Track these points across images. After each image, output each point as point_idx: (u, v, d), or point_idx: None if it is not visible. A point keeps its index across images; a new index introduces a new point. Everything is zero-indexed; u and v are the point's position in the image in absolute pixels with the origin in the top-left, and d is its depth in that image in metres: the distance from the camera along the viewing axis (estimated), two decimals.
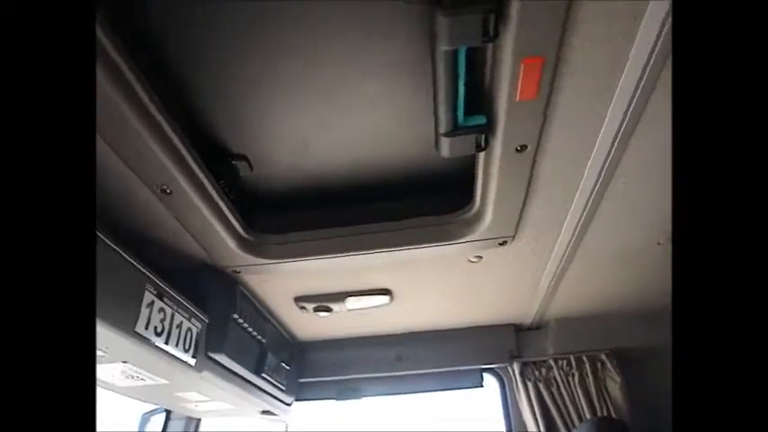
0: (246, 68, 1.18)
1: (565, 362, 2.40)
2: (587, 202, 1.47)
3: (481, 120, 1.17)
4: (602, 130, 1.21)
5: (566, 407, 2.36)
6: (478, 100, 1.15)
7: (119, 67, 1.00)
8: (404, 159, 1.49)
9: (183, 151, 1.23)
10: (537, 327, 2.51)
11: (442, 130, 1.18)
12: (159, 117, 1.13)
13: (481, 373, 2.55)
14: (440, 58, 1.02)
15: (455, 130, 1.17)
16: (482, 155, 1.28)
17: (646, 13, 0.93)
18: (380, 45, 1.13)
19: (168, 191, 1.31)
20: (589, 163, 1.32)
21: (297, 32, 1.09)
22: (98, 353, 1.38)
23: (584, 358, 2.37)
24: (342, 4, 1.03)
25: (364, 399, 2.59)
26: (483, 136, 1.19)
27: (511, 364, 2.47)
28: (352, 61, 1.17)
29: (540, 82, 1.05)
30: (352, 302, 2.05)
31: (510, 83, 1.04)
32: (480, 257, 1.78)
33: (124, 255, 1.27)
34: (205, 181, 1.33)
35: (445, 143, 1.21)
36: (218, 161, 1.41)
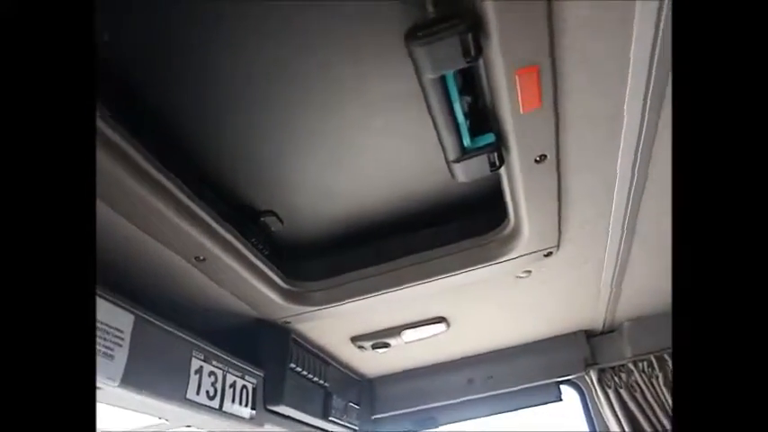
0: (262, 128, 1.21)
1: (645, 363, 2.26)
2: (629, 193, 1.38)
3: (489, 138, 1.13)
4: (625, 119, 1.14)
5: (653, 411, 2.21)
6: (484, 118, 1.12)
7: (139, 164, 1.06)
8: (431, 187, 1.47)
9: (210, 220, 1.26)
10: (610, 330, 2.39)
11: (450, 157, 1.15)
12: (181, 195, 1.17)
13: (558, 385, 2.44)
14: (429, 87, 1.00)
15: (464, 154, 1.14)
16: (503, 171, 1.24)
17: None
18: (385, 81, 1.12)
19: (202, 258, 1.34)
20: (619, 153, 1.24)
21: (306, 85, 1.11)
22: (159, 421, 1.41)
23: (666, 356, 2.23)
24: (342, 49, 1.05)
25: (441, 428, 2.53)
26: (495, 154, 1.15)
27: (588, 373, 2.35)
28: (360, 101, 1.17)
29: (542, 90, 1.01)
30: (409, 335, 2.02)
31: (510, 96, 1.01)
32: (529, 272, 1.72)
33: (165, 326, 1.30)
34: (236, 243, 1.36)
35: (458, 168, 1.18)
36: (247, 221, 1.43)
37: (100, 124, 0.98)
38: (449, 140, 1.12)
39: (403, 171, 1.40)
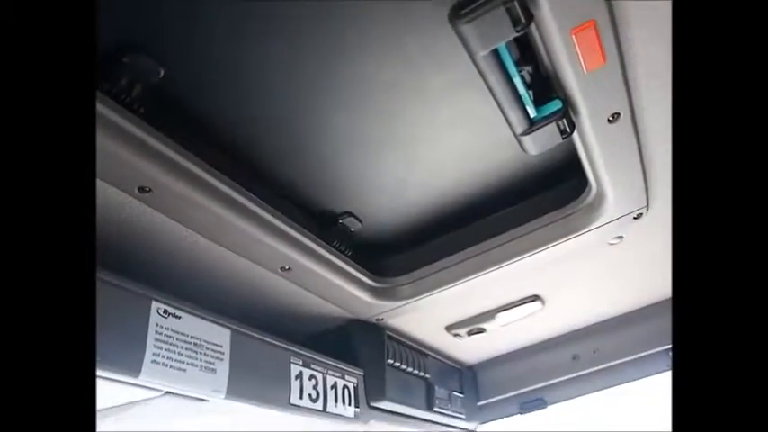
0: (330, 134, 1.22)
1: None
2: None
3: (557, 105, 1.08)
4: None
5: None
6: (547, 86, 1.08)
7: (218, 189, 1.12)
8: (506, 166, 1.43)
9: (292, 231, 1.30)
10: None
11: (518, 131, 1.12)
12: (261, 211, 1.21)
13: (668, 353, 2.32)
14: (484, 65, 0.97)
15: (532, 126, 1.10)
16: (576, 137, 1.19)
17: None
18: (440, 72, 1.11)
19: (288, 268, 1.38)
20: None
21: (364, 89, 1.12)
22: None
23: None
24: (390, 50, 1.05)
25: (550, 407, 2.47)
26: (564, 120, 1.10)
27: None
28: (420, 97, 1.16)
29: (603, 45, 0.95)
30: (503, 317, 1.98)
31: (570, 58, 0.96)
32: (620, 237, 1.64)
33: (260, 336, 1.35)
34: (319, 249, 1.38)
35: (528, 141, 1.14)
36: (327, 225, 1.46)
37: (176, 157, 1.03)
38: (514, 115, 1.09)
39: (475, 155, 1.37)
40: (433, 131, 1.27)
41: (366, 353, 1.76)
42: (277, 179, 1.32)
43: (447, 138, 1.30)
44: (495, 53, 0.97)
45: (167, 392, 1.12)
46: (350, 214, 1.47)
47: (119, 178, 1.04)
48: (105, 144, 0.95)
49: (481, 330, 2.03)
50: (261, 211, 1.21)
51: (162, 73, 1.01)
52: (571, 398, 2.45)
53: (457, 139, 1.31)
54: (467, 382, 2.43)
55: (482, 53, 0.95)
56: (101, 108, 0.92)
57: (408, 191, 1.45)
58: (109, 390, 1.08)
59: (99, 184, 1.04)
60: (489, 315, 1.97)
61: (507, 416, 2.53)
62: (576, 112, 1.10)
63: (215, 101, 1.12)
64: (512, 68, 1.01)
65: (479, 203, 1.56)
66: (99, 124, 0.93)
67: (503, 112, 1.10)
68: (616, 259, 1.80)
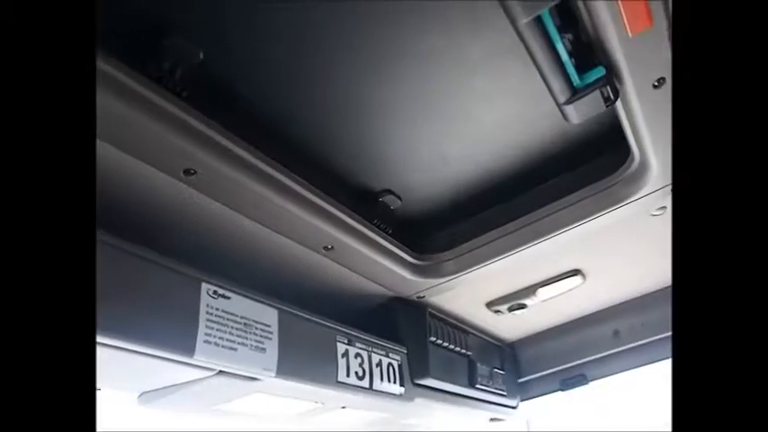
0: (366, 110, 1.22)
1: None
2: None
3: (599, 72, 1.06)
4: None
5: None
6: (590, 52, 1.05)
7: (262, 169, 1.13)
8: (546, 137, 1.41)
9: (334, 210, 1.31)
10: None
11: (561, 100, 1.10)
12: (304, 191, 1.22)
13: None
14: (526, 32, 0.95)
15: (575, 94, 1.08)
16: (620, 104, 1.16)
17: None
18: (479, 41, 1.09)
19: (330, 247, 1.39)
20: None
21: (401, 61, 1.11)
22: (317, 405, 1.49)
23: None
24: (427, 18, 1.03)
25: (592, 383, 2.45)
26: (608, 87, 1.08)
27: None
28: (459, 68, 1.15)
29: (649, 7, 0.93)
30: (544, 293, 1.97)
31: (614, 21, 0.93)
32: (664, 208, 1.60)
33: (306, 315, 1.36)
34: (361, 228, 1.39)
35: (570, 110, 1.12)
36: (367, 204, 1.46)
37: (220, 138, 1.05)
38: (556, 83, 1.06)
39: (514, 127, 1.36)
40: (473, 103, 1.25)
41: (408, 331, 1.76)
42: (317, 158, 1.32)
43: (487, 109, 1.28)
44: (538, 20, 0.95)
45: (220, 372, 1.14)
46: (389, 192, 1.47)
47: (164, 162, 1.05)
48: (151, 128, 0.96)
49: (522, 306, 2.01)
50: (303, 191, 1.22)
51: (201, 55, 1.01)
52: (613, 374, 2.42)
53: (497, 110, 1.29)
54: (507, 359, 2.43)
55: (525, 20, 0.93)
56: (146, 92, 0.93)
57: (448, 166, 1.44)
58: (164, 369, 1.11)
59: (145, 167, 1.05)
60: (530, 290, 1.95)
61: (548, 393, 2.51)
62: (619, 79, 1.07)
63: (253, 80, 1.12)
64: (555, 35, 0.99)
65: (520, 176, 1.54)
66: (145, 109, 0.94)
67: (545, 80, 1.08)
68: (659, 231, 1.77)
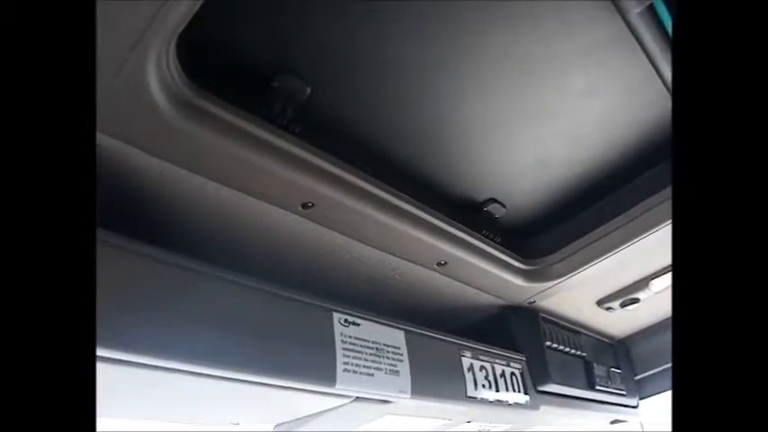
0: (465, 122, 1.20)
1: None
2: None
3: None
4: None
5: None
6: None
7: (372, 192, 1.14)
8: (647, 125, 1.35)
9: (445, 226, 1.30)
10: None
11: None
12: (415, 210, 1.22)
13: None
14: (638, 23, 0.92)
15: None
16: None
17: None
18: (571, 40, 1.06)
19: (444, 262, 1.38)
20: None
21: (494, 67, 1.09)
22: (444, 422, 1.48)
23: None
24: (522, 23, 1.01)
25: None
26: None
27: None
28: (553, 69, 1.12)
29: None
30: (657, 284, 1.88)
31: None
32: None
33: (430, 333, 1.36)
34: (471, 240, 1.38)
35: None
36: (473, 215, 1.45)
37: (334, 169, 1.06)
38: (667, 67, 1.02)
39: (615, 120, 1.30)
40: (570, 102, 1.21)
41: (523, 338, 1.73)
42: (422, 175, 1.32)
43: (584, 107, 1.24)
44: (650, 8, 0.92)
45: (356, 398, 1.15)
46: (494, 200, 1.45)
47: (283, 198, 1.08)
48: (269, 167, 0.99)
49: (635, 300, 1.94)
50: (416, 210, 1.22)
51: (309, 90, 1.03)
52: None
53: (595, 106, 1.25)
54: (621, 358, 2.34)
55: (637, 10, 0.90)
56: (263, 134, 0.96)
57: (547, 169, 1.41)
58: (301, 400, 1.12)
59: (263, 205, 1.08)
60: (642, 284, 1.87)
61: (666, 390, 2.40)
62: None
63: (357, 108, 1.13)
64: (666, 18, 0.95)
65: (623, 169, 1.48)
66: (262, 149, 0.97)
67: (656, 68, 1.04)
68: None
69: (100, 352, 0.77)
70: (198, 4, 0.71)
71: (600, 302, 1.95)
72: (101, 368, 0.80)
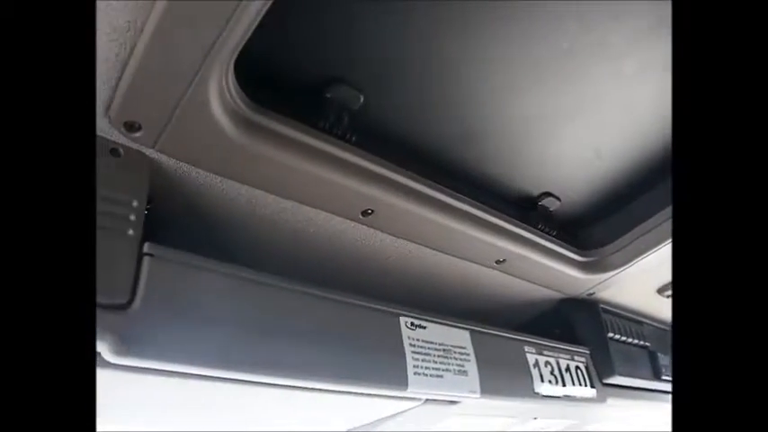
0: (516, 117, 1.20)
1: None
2: None
3: None
4: None
5: None
6: None
7: (429, 195, 1.14)
8: None
9: (504, 224, 1.30)
10: None
11: None
12: (470, 208, 1.22)
13: None
14: None
15: None
16: None
17: None
18: (622, 25, 1.04)
19: (502, 260, 1.38)
20: None
21: (540, 60, 1.08)
22: (511, 420, 1.47)
23: None
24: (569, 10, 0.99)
25: None
26: None
27: None
28: (603, 53, 1.09)
29: None
30: None
31: None
32: None
33: (493, 331, 1.36)
34: (529, 236, 1.37)
35: None
36: (530, 210, 1.44)
37: (392, 175, 1.07)
38: None
39: (666, 106, 1.27)
40: (620, 90, 1.19)
41: (585, 330, 1.71)
42: (477, 174, 1.32)
43: (635, 94, 1.21)
44: None
45: (426, 400, 1.16)
46: (548, 194, 1.44)
47: (343, 206, 1.09)
48: (328, 176, 1.00)
49: None
50: (473, 210, 1.22)
51: (362, 98, 1.04)
52: None
53: (646, 93, 1.22)
54: None
55: None
56: (319, 144, 0.97)
57: (603, 157, 1.38)
58: (372, 404, 1.14)
59: (324, 215, 1.10)
60: None
61: None
62: None
63: (411, 113, 1.13)
64: None
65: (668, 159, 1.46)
66: (319, 159, 0.98)
67: None
68: None
69: (171, 367, 0.79)
70: (254, 25, 0.72)
71: (660, 290, 1.91)
72: (173, 384, 0.83)
